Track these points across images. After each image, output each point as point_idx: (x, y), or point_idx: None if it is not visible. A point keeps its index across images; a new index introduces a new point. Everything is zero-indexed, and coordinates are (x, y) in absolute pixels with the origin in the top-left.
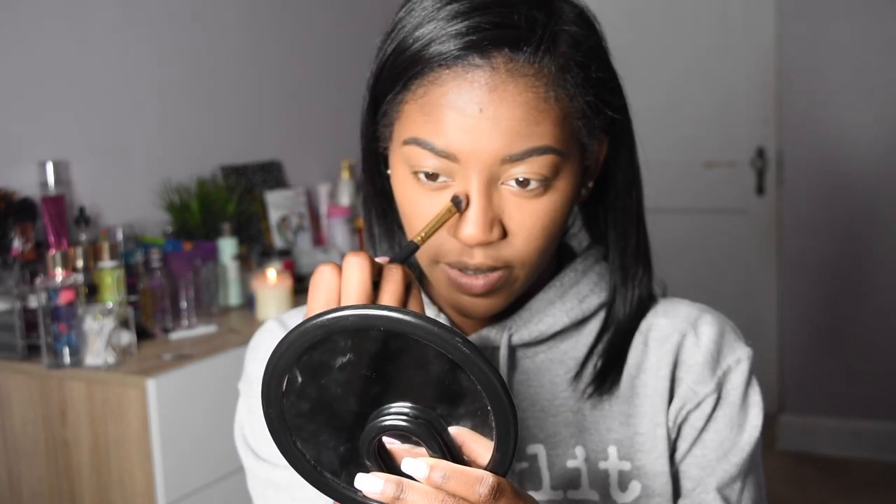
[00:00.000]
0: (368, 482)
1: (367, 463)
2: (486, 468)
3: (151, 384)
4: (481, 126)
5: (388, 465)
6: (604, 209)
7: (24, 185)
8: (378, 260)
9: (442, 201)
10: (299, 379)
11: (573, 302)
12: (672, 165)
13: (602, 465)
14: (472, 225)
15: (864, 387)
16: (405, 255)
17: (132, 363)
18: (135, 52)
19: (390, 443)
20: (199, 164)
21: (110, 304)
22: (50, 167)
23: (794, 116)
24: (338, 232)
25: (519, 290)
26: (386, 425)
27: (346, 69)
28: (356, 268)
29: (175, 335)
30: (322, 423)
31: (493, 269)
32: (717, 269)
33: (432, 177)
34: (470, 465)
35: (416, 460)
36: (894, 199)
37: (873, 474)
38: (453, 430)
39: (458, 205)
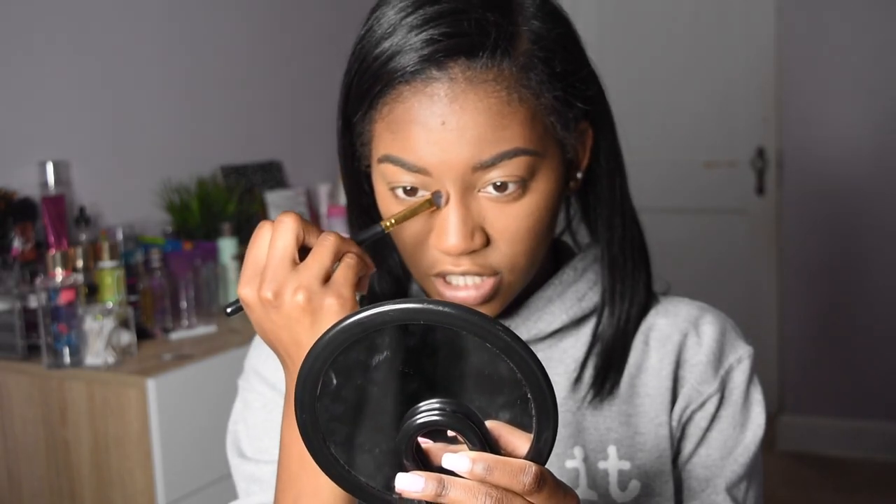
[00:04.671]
0: (409, 481)
1: (405, 462)
2: (525, 459)
3: (151, 384)
4: (446, 138)
5: (426, 464)
6: (593, 200)
7: (24, 185)
8: (344, 236)
9: (423, 219)
10: (334, 381)
11: (572, 300)
12: (672, 165)
13: (601, 464)
14: (452, 235)
15: (864, 387)
16: (367, 236)
17: (132, 363)
18: (135, 52)
19: (425, 442)
20: (199, 164)
21: (110, 304)
22: (50, 167)
23: (794, 116)
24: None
25: (512, 296)
26: (425, 422)
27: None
28: (283, 231)
29: (175, 335)
30: (357, 425)
31: (480, 275)
32: (717, 269)
33: (411, 192)
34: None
35: (457, 455)
36: (894, 199)
37: (873, 474)
38: (489, 424)
39: (438, 199)
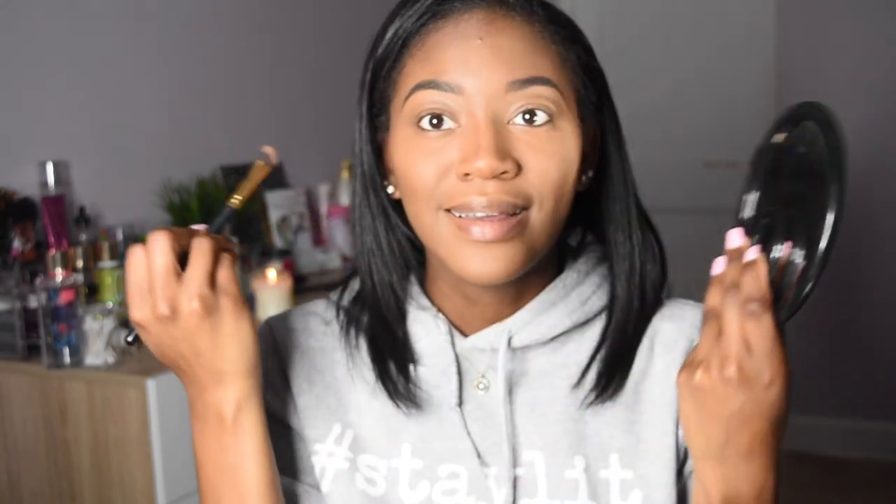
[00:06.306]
0: (735, 237)
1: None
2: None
3: (151, 384)
4: (483, 54)
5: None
6: (603, 200)
7: (24, 185)
8: (196, 227)
9: (447, 152)
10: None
11: (575, 303)
12: (672, 165)
13: (603, 473)
14: (484, 154)
15: (864, 387)
16: (222, 221)
17: (132, 363)
18: (135, 52)
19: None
20: (199, 164)
21: (110, 304)
22: (50, 167)
23: None
24: (338, 232)
25: (535, 248)
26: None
27: (346, 69)
28: (157, 248)
29: None
30: None
31: (509, 205)
32: None
33: (437, 124)
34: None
35: (749, 246)
36: (894, 199)
37: (873, 474)
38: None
39: (268, 159)
